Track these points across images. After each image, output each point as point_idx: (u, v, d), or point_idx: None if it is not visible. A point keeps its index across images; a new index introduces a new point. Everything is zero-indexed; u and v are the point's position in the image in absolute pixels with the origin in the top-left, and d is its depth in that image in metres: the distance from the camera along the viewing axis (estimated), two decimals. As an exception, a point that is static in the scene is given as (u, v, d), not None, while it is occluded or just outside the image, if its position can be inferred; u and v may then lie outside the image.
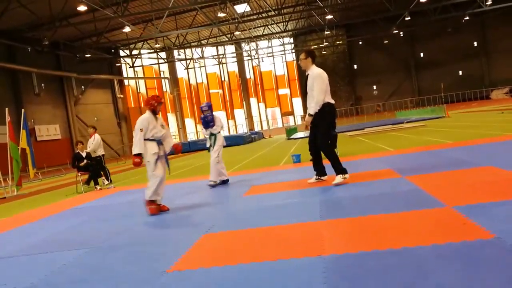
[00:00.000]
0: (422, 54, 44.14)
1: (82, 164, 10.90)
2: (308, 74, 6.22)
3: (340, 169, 6.13)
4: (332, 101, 6.19)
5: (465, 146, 8.73)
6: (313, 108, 6.05)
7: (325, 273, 2.78)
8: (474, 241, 3.01)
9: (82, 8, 23.68)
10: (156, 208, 6.02)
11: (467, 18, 38.06)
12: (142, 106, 42.56)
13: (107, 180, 11.12)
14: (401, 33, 40.77)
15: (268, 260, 3.24)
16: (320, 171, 6.61)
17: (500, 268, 2.51)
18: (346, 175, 6.15)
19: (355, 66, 46.20)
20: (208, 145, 8.32)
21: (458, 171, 5.85)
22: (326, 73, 6.33)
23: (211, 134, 8.19)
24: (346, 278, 2.68)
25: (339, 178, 6.12)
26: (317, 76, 6.06)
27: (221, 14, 29.69)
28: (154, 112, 6.22)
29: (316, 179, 6.63)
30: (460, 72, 43.64)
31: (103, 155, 11.27)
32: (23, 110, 13.95)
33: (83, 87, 35.67)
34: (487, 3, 34.58)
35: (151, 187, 5.98)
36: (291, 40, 46.98)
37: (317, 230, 3.96)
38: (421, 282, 2.46)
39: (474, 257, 2.73)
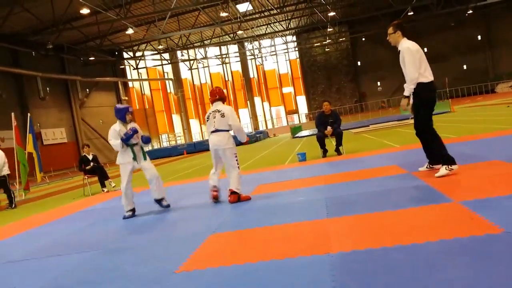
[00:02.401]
0: (426, 49, 43.89)
1: (88, 167, 10.94)
2: (399, 51, 5.46)
3: (447, 159, 5.24)
4: (428, 79, 5.27)
5: (471, 140, 8.69)
6: (407, 89, 5.28)
7: (333, 271, 2.78)
8: (482, 236, 3.00)
9: (85, 11, 23.78)
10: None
11: (470, 11, 37.83)
12: (147, 107, 42.67)
13: (11, 205, 10.69)
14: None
15: (275, 258, 3.24)
16: (432, 158, 5.67)
17: (508, 263, 2.50)
18: (455, 166, 5.24)
19: (359, 63, 46.05)
20: None
21: (465, 166, 5.81)
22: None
23: None
24: (354, 275, 2.67)
25: (443, 170, 5.22)
26: (406, 50, 5.27)
27: (223, 14, 29.70)
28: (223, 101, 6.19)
29: (427, 167, 5.74)
30: (465, 66, 43.41)
31: (8, 174, 10.92)
32: (29, 114, 14.02)
33: (87, 90, 35.82)
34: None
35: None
36: (294, 38, 46.89)
37: (324, 228, 3.95)
38: (429, 278, 2.45)
39: (483, 252, 2.71)
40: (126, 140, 6.07)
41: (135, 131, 6.13)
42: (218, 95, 6.15)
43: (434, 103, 5.40)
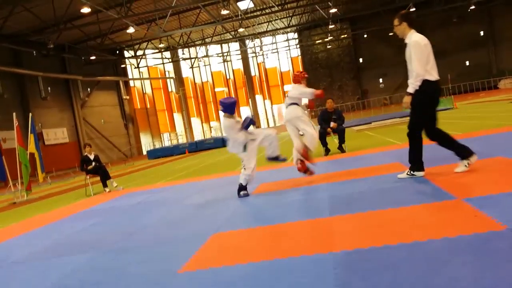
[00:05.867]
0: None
1: (90, 167, 10.94)
2: (406, 43, 5.15)
3: (416, 167, 5.24)
4: (434, 77, 4.94)
5: (474, 137, 8.66)
6: (411, 85, 4.94)
7: (336, 269, 2.77)
8: (486, 233, 2.99)
9: (85, 10, 23.77)
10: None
11: (473, 7, 37.69)
12: (148, 106, 42.66)
13: None
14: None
15: (278, 257, 3.23)
16: (461, 153, 5.16)
17: (512, 260, 2.49)
18: (473, 158, 5.08)
19: (361, 60, 45.95)
20: None
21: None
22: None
23: None
24: (357, 274, 2.66)
25: (462, 166, 5.11)
26: (414, 44, 4.94)
27: (224, 12, 29.66)
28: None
29: (466, 165, 5.12)
30: (467, 62, 43.26)
31: None
32: (30, 114, 14.03)
33: (89, 89, 35.85)
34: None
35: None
36: (296, 35, 46.80)
37: (327, 226, 3.95)
38: (433, 276, 2.44)
39: (486, 249, 2.70)
40: (246, 127, 6.33)
41: (252, 121, 6.39)
42: (293, 78, 7.36)
43: (437, 104, 5.12)
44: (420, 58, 4.86)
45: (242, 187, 6.36)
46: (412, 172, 5.28)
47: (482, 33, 42.71)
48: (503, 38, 41.24)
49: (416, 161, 5.24)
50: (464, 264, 2.55)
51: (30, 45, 29.02)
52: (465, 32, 42.27)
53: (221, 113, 6.48)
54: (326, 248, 3.27)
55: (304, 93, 7.04)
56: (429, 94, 4.97)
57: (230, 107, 6.28)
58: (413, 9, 33.88)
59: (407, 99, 5.03)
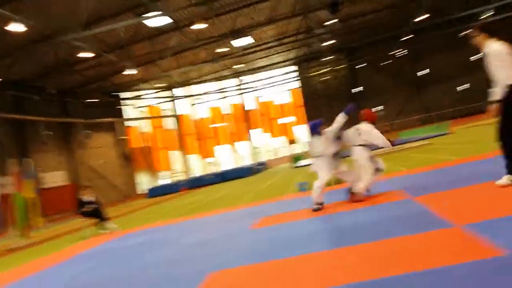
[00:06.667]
0: (425, 71, 44.27)
1: (85, 209, 10.78)
2: (484, 53, 5.17)
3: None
4: None
5: (470, 162, 8.62)
6: (496, 93, 4.90)
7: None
8: (486, 260, 2.92)
9: (87, 54, 24.10)
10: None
11: (470, 30, 38.37)
12: (146, 145, 42.82)
13: None
14: (403, 51, 41.08)
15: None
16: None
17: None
18: None
19: (361, 88, 46.35)
20: None
21: (465, 188, 5.74)
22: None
23: None
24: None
25: (504, 179, 5.09)
26: (494, 53, 4.93)
27: (222, 49, 30.06)
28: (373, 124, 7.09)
29: (510, 179, 5.08)
30: (465, 86, 43.58)
31: None
32: (30, 159, 14.03)
33: (88, 131, 36.00)
34: (487, 15, 35.05)
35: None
36: (293, 68, 47.39)
37: (327, 260, 3.87)
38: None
39: (487, 276, 2.64)
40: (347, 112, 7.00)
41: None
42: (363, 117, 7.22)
43: None
44: (500, 65, 4.85)
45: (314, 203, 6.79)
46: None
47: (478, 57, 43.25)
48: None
49: (508, 165, 5.05)
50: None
51: (31, 90, 29.31)
52: (462, 56, 42.75)
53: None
54: (327, 282, 3.19)
55: (377, 138, 6.91)
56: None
57: (314, 128, 7.16)
58: (409, 36, 34.47)
59: (491, 108, 5.03)
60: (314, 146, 7.06)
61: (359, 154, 6.94)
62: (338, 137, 7.01)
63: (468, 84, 42.65)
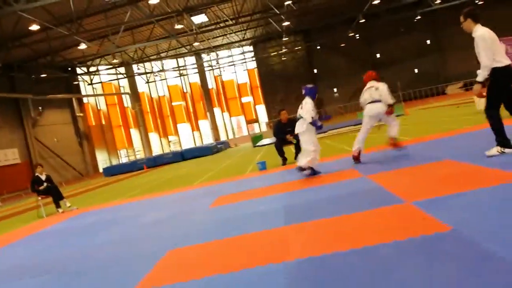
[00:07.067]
0: (378, 55, 45.29)
1: (42, 187, 10.54)
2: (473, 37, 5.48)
3: (502, 143, 5.37)
4: (503, 64, 5.30)
5: (423, 141, 8.99)
6: (480, 75, 5.35)
7: (287, 279, 2.79)
8: (433, 235, 3.09)
9: (34, 27, 23.01)
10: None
11: (419, 17, 39.35)
12: (103, 123, 41.73)
13: None
14: (357, 35, 41.76)
15: (233, 270, 3.22)
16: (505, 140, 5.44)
17: (458, 259, 2.59)
18: (508, 150, 5.33)
19: (315, 71, 46.86)
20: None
21: (417, 167, 6.00)
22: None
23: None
24: (308, 282, 2.69)
25: (494, 150, 5.41)
26: (479, 37, 5.33)
27: (178, 26, 29.57)
28: None
29: (499, 151, 5.42)
30: (416, 70, 44.91)
31: None
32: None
33: (40, 108, 34.60)
34: (436, 2, 35.99)
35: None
36: (251, 48, 47.21)
37: (282, 236, 3.97)
38: (383, 280, 2.50)
39: (434, 251, 2.80)
40: (314, 124, 7.38)
41: (328, 118, 7.37)
42: (373, 77, 7.72)
43: (508, 86, 5.40)
44: (485, 49, 5.24)
45: (302, 169, 7.35)
46: (502, 149, 5.38)
47: (428, 41, 44.57)
48: (449, 46, 43.17)
49: (501, 140, 5.39)
50: (413, 266, 2.62)
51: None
52: (413, 41, 43.98)
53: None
54: (280, 257, 3.29)
55: (388, 95, 7.40)
56: (501, 79, 5.32)
57: (311, 92, 7.66)
58: (363, 20, 35.03)
59: (476, 87, 5.45)
60: (312, 110, 7.36)
61: (383, 108, 7.39)
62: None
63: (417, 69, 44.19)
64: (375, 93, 7.43)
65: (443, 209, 3.66)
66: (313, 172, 7.35)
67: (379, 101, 7.39)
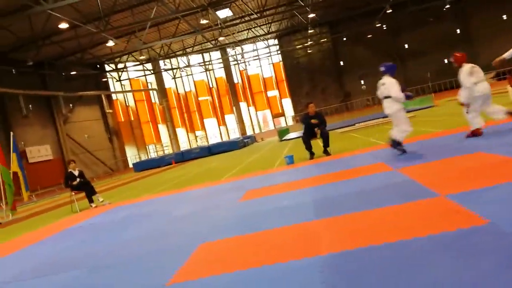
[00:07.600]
0: (406, 45, 44.39)
1: (75, 183, 10.81)
2: None
3: None
4: None
5: (454, 134, 8.79)
6: (508, 53, 5.81)
7: (322, 273, 2.79)
8: (469, 229, 3.04)
9: (63, 25, 23.56)
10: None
11: (448, 6, 38.38)
12: (132, 119, 42.43)
13: None
14: (384, 26, 41.01)
15: (266, 264, 3.23)
16: None
17: (495, 253, 2.54)
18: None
19: (342, 63, 46.34)
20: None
21: (449, 159, 5.88)
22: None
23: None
24: (343, 276, 2.68)
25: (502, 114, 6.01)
26: None
27: (203, 21, 29.70)
28: None
29: (504, 113, 6.07)
30: (446, 60, 43.92)
31: None
32: (11, 133, 13.81)
33: (71, 105, 35.43)
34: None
35: None
36: (276, 41, 47.03)
37: (313, 230, 3.97)
38: (417, 274, 2.47)
39: (470, 244, 2.75)
40: (409, 97, 7.53)
41: (410, 96, 7.64)
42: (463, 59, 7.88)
43: None
44: None
45: (396, 143, 7.37)
46: None
47: (458, 31, 43.44)
48: (479, 36, 42.00)
49: None
50: (448, 260, 2.58)
51: (8, 63, 28.62)
52: (442, 31, 42.92)
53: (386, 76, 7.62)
54: (313, 251, 3.28)
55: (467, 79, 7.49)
56: None
57: (391, 69, 7.64)
58: (390, 10, 34.38)
59: (498, 58, 6.07)
60: (395, 85, 7.38)
61: (488, 88, 7.35)
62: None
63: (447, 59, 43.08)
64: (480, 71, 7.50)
65: (479, 202, 3.59)
66: (404, 150, 7.40)
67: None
